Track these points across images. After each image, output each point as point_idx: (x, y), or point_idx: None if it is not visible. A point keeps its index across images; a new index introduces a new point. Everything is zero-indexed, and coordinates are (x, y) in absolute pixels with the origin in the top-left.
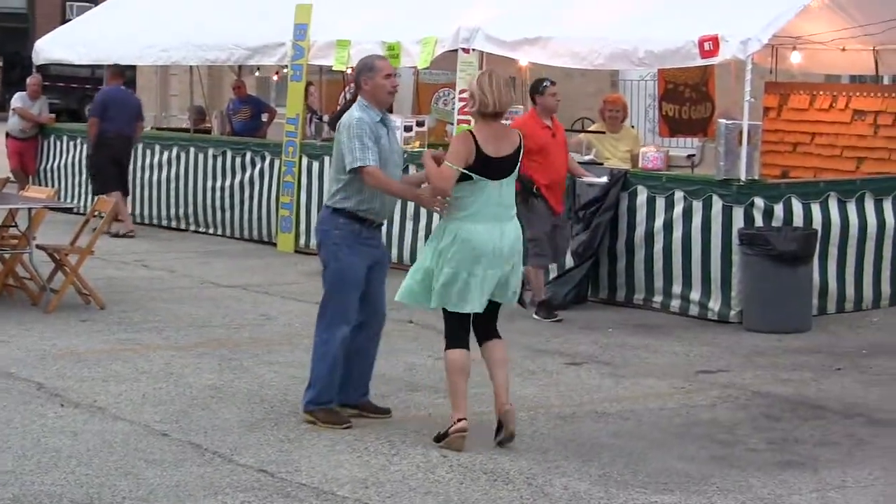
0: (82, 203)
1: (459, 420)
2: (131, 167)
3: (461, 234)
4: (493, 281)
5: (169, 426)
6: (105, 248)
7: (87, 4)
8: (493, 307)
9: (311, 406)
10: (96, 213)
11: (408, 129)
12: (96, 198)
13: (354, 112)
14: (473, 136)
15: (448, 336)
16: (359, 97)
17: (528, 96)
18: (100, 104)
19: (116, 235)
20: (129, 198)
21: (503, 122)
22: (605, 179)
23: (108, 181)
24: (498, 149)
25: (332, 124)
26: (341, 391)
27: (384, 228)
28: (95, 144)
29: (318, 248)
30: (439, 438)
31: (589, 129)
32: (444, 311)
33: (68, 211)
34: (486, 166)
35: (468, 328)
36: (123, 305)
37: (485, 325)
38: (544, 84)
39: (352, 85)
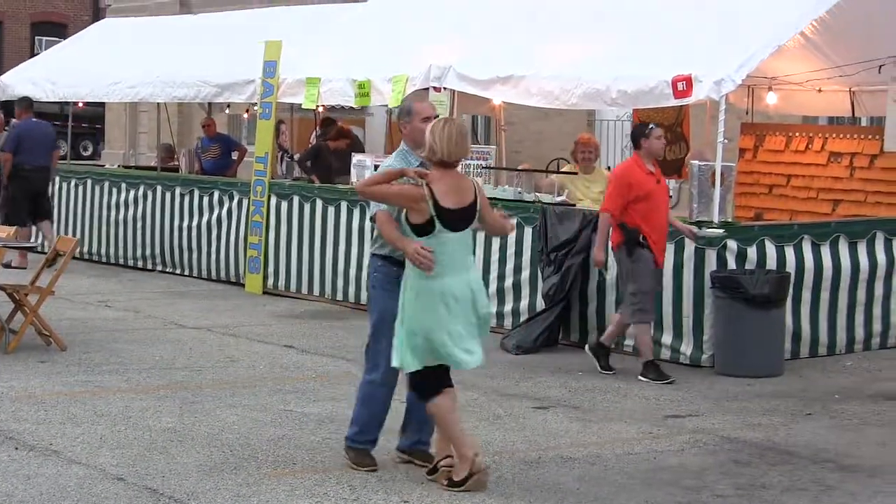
0: (45, 242)
1: (476, 455)
2: (97, 205)
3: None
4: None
5: (125, 470)
6: (68, 287)
7: (55, 39)
8: None
9: (348, 442)
10: (59, 252)
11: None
12: (57, 237)
13: (388, 160)
14: (431, 191)
15: (428, 388)
16: (402, 142)
17: (631, 140)
18: (13, 139)
19: (8, 266)
20: (90, 236)
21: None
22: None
23: (20, 213)
24: (458, 200)
25: (301, 163)
26: (402, 434)
27: (353, 272)
28: (10, 177)
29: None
30: (460, 483)
31: (562, 170)
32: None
33: (31, 250)
34: (445, 219)
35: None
36: (85, 347)
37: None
38: (650, 127)
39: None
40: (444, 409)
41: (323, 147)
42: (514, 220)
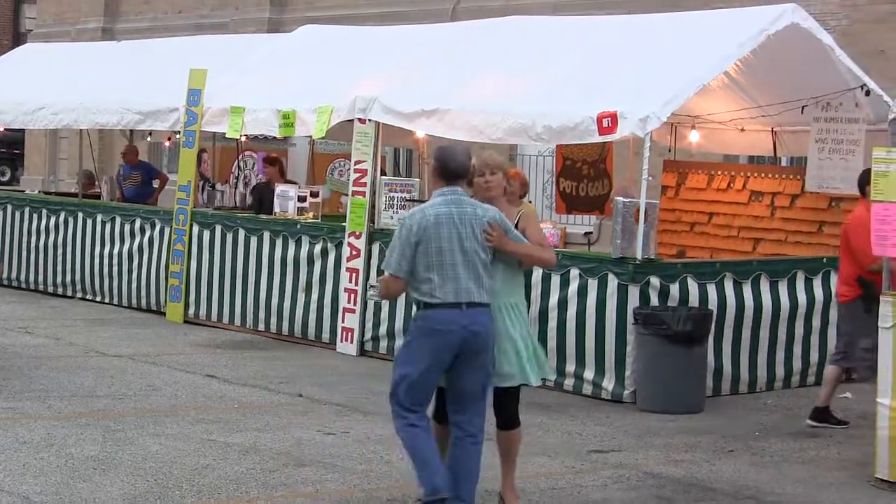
0: None
1: None
2: (17, 231)
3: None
4: None
5: (49, 498)
6: None
7: None
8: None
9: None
10: None
11: (301, 199)
12: None
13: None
14: None
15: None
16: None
17: (859, 188)
18: None
19: None
20: (10, 261)
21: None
22: None
23: None
24: None
25: (255, 194)
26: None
27: (275, 301)
28: None
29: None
30: None
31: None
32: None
33: None
34: None
35: None
36: (5, 373)
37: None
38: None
39: (245, 153)
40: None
41: (264, 188)
42: None
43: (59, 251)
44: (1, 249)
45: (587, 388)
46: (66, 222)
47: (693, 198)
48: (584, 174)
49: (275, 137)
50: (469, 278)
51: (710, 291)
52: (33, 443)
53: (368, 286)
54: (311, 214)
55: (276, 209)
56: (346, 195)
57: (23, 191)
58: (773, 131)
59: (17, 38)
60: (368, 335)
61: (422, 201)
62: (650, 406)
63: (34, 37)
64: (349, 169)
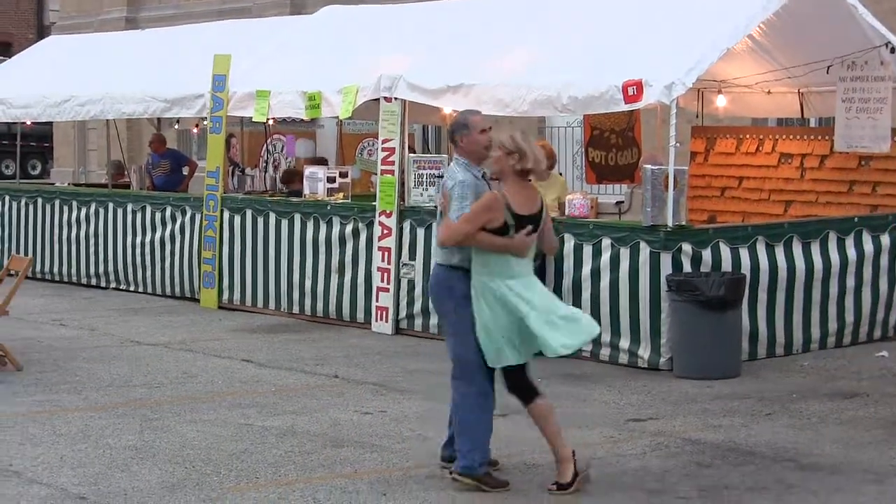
0: None
1: (574, 454)
2: (48, 224)
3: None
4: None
5: (87, 489)
6: (22, 307)
7: (0, 58)
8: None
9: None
10: (11, 271)
11: (331, 180)
12: (10, 256)
13: (457, 173)
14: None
15: (528, 389)
16: (455, 155)
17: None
18: None
19: None
20: (42, 254)
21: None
22: None
23: None
24: (528, 208)
25: (285, 180)
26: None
27: (308, 284)
28: None
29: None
30: (569, 484)
31: None
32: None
33: None
34: (519, 224)
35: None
36: (41, 366)
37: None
38: None
39: (274, 136)
40: (545, 410)
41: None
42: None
43: (91, 242)
44: (34, 243)
45: (623, 358)
46: (96, 213)
47: (722, 163)
48: (613, 143)
49: (302, 120)
50: None
51: (742, 256)
52: (70, 434)
53: (402, 264)
54: (341, 195)
55: (306, 191)
56: (376, 174)
57: (52, 184)
58: (799, 93)
59: (42, 32)
60: (403, 313)
61: None
62: (686, 373)
63: (57, 29)
64: (378, 148)
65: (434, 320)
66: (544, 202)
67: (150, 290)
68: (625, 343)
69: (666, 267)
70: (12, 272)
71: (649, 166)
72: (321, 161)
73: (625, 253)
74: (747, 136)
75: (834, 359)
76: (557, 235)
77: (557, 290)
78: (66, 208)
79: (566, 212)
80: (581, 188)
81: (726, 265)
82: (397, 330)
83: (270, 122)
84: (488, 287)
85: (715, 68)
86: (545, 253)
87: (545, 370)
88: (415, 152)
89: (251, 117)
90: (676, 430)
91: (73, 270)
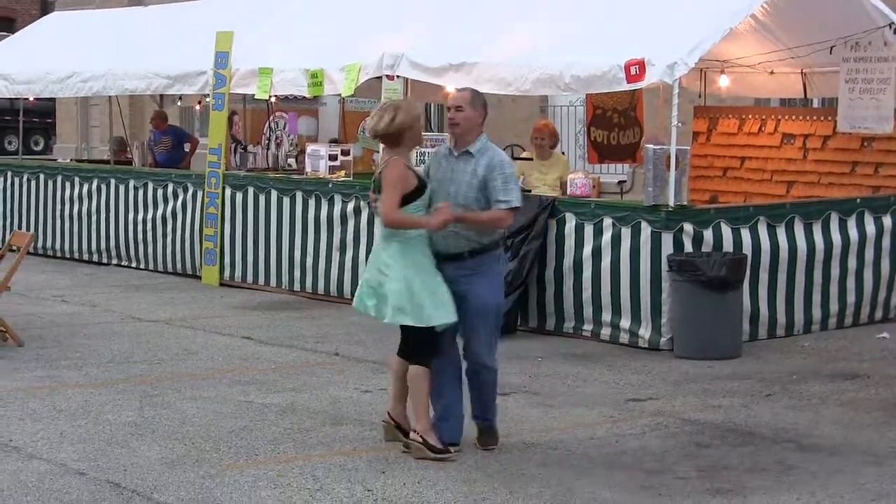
0: None
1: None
2: (51, 200)
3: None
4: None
5: (86, 465)
6: (23, 283)
7: (3, 34)
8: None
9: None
10: (12, 247)
11: (333, 157)
12: (12, 232)
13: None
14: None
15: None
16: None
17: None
18: None
19: None
20: (44, 230)
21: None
22: None
23: None
24: None
25: None
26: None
27: (309, 261)
28: None
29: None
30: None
31: (520, 156)
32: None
33: None
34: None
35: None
36: (41, 342)
37: None
38: None
39: (276, 114)
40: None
41: None
42: None
43: (93, 218)
44: (35, 219)
45: (624, 337)
46: (98, 189)
47: (725, 143)
48: (615, 123)
49: (304, 97)
50: None
51: (743, 236)
52: (70, 410)
53: None
54: (342, 173)
55: (308, 168)
56: (378, 152)
57: (55, 159)
58: (802, 73)
59: (45, 8)
60: None
61: None
62: (687, 353)
63: (61, 5)
64: None
65: None
66: (381, 171)
67: (151, 266)
68: (625, 323)
69: (667, 247)
70: (14, 248)
71: (651, 146)
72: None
73: (626, 232)
74: (750, 116)
75: (835, 340)
76: (558, 215)
77: (558, 270)
78: (68, 184)
79: (568, 191)
80: (583, 167)
81: (728, 245)
82: None
83: (273, 99)
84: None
85: (718, 48)
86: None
87: (544, 349)
88: None
89: (253, 94)
90: (676, 410)
91: (75, 246)
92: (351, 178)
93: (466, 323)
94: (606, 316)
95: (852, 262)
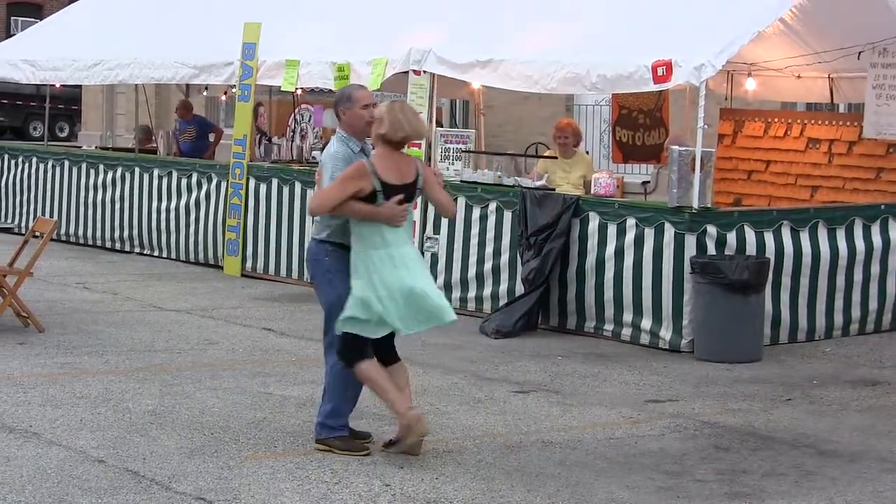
0: (23, 223)
1: (409, 408)
2: (75, 187)
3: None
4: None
5: (106, 452)
6: (46, 269)
7: (32, 20)
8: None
9: (326, 433)
10: (36, 233)
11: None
12: (36, 218)
13: (331, 146)
14: (373, 166)
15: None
16: (337, 128)
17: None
18: None
19: None
20: (67, 217)
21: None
22: None
23: None
24: (399, 177)
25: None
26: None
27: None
28: None
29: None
30: (395, 442)
31: (543, 154)
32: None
33: (7, 231)
34: (387, 193)
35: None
36: (63, 329)
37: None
38: None
39: (302, 106)
40: (373, 373)
41: None
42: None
43: (117, 206)
44: (59, 205)
45: (644, 338)
46: (123, 178)
47: (750, 146)
48: (641, 123)
49: (330, 90)
50: None
51: (767, 239)
52: (90, 397)
53: (426, 237)
54: None
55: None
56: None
57: (80, 147)
58: (829, 78)
59: None
60: None
61: (477, 152)
62: (707, 355)
63: None
64: None
65: (456, 294)
66: (421, 172)
67: (173, 255)
68: (647, 323)
69: (690, 249)
70: (37, 234)
71: (677, 147)
72: None
73: (649, 233)
74: (776, 119)
75: (856, 346)
76: (581, 214)
77: (581, 269)
78: (92, 172)
79: (592, 190)
80: (607, 167)
81: (751, 249)
82: None
83: (299, 91)
84: (361, 259)
85: (745, 51)
86: (444, 217)
87: (565, 348)
88: (442, 126)
89: (279, 86)
90: (695, 413)
91: (98, 234)
92: None
93: None
94: (628, 316)
95: (875, 269)
